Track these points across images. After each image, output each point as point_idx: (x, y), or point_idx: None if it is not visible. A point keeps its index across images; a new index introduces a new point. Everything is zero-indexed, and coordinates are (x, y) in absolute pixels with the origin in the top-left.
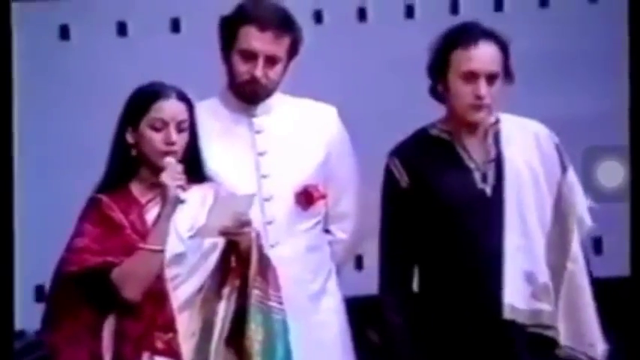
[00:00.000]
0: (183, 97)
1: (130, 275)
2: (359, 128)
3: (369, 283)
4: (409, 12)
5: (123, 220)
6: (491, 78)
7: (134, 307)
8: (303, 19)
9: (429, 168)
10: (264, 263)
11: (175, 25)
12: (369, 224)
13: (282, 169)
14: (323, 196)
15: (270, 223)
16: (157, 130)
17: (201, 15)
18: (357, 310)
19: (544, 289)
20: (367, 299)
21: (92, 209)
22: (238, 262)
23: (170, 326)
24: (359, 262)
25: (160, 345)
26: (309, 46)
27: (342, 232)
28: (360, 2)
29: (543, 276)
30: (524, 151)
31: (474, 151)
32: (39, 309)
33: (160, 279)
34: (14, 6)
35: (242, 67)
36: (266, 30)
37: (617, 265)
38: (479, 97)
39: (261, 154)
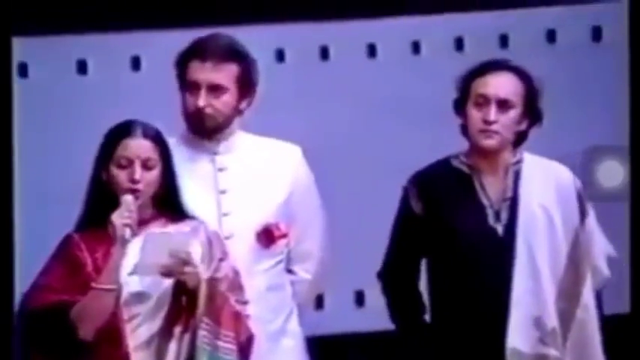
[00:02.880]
0: (151, 135)
1: (84, 314)
2: (323, 167)
3: (328, 322)
4: (371, 51)
5: (87, 259)
6: (503, 105)
7: (90, 346)
8: (265, 58)
9: (444, 199)
10: (218, 303)
11: None
12: (333, 265)
13: (243, 208)
14: (284, 235)
15: None
16: (122, 167)
17: None
18: (317, 350)
19: (552, 335)
20: (327, 339)
21: (62, 247)
22: (188, 301)
23: None
24: (319, 302)
25: None
26: (271, 85)
27: (305, 272)
28: (323, 41)
29: (551, 321)
30: (542, 194)
31: (490, 189)
32: None
33: (116, 317)
34: (29, 41)
35: (189, 100)
36: (206, 60)
37: (616, 304)
38: (487, 122)
39: (222, 192)
